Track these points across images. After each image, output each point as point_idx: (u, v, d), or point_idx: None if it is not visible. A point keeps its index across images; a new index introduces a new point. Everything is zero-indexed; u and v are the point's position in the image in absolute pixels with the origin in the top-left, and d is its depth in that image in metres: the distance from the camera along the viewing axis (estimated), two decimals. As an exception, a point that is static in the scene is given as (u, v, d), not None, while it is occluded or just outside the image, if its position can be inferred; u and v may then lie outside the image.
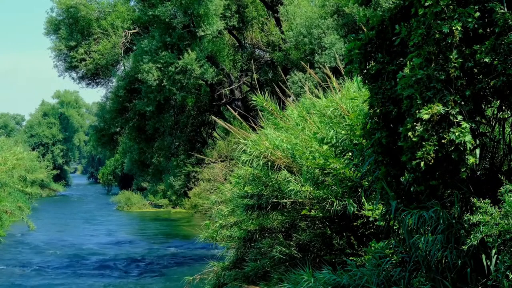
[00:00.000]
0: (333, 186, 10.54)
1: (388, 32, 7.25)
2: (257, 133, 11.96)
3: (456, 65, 6.35)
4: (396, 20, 7.15)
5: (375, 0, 20.05)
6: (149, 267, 27.64)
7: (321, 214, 10.78)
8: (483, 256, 6.62)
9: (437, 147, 6.32)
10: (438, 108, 6.29)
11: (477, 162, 6.99)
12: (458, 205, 6.91)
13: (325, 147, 10.51)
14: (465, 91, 6.40)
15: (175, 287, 22.02)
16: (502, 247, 6.45)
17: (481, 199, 6.57)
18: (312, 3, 27.21)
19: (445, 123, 6.33)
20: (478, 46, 6.35)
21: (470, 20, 6.33)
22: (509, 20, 6.23)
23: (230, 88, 28.61)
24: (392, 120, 7.10)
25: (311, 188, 10.71)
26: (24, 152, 38.24)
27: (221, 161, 23.97)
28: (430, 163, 6.36)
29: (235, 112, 16.77)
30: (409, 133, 6.41)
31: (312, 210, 10.90)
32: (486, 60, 6.25)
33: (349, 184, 10.39)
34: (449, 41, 6.35)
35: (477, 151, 6.93)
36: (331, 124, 10.77)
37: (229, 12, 27.63)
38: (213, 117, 20.27)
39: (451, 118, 6.33)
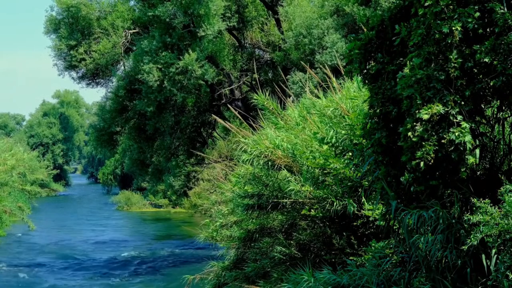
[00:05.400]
0: (333, 186, 10.55)
1: (388, 32, 7.25)
2: (258, 133, 11.97)
3: (456, 65, 6.35)
4: (396, 20, 7.16)
5: (375, 0, 20.06)
6: (149, 267, 27.65)
7: (321, 214, 10.78)
8: (483, 256, 6.62)
9: (437, 147, 6.32)
10: (438, 108, 6.30)
11: (477, 162, 6.99)
12: (458, 205, 6.92)
13: (325, 147, 10.51)
14: (465, 91, 6.40)
15: (175, 287, 22.03)
16: (502, 247, 6.45)
17: (481, 199, 6.57)
18: (311, 3, 27.20)
19: (445, 123, 6.33)
20: (478, 46, 6.35)
21: (470, 20, 6.33)
22: (509, 20, 6.23)
23: (230, 88, 28.61)
24: (392, 120, 7.10)
25: (311, 188, 10.72)
26: (24, 152, 38.30)
27: (222, 160, 23.97)
28: (430, 163, 6.36)
29: (235, 112, 16.77)
30: (409, 133, 6.41)
31: (312, 210, 10.91)
32: (486, 60, 6.25)
33: (349, 184, 10.39)
34: (449, 41, 6.35)
35: (477, 151, 6.93)
36: (331, 124, 10.78)
37: (229, 12, 27.62)
38: (214, 116, 20.24)
39: (451, 118, 6.33)
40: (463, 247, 6.58)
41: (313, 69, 20.70)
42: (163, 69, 24.03)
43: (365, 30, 7.63)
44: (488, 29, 6.46)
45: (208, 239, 14.85)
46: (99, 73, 28.73)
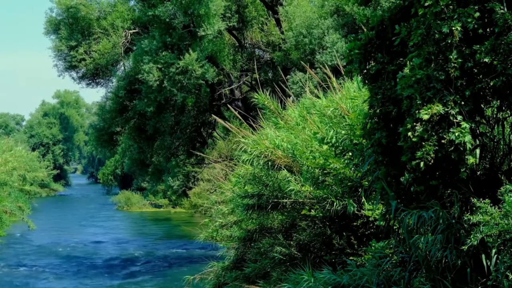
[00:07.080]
0: (333, 186, 10.54)
1: (388, 32, 7.25)
2: (258, 133, 11.97)
3: (456, 65, 6.35)
4: (396, 20, 7.16)
5: (375, 0, 20.05)
6: (149, 267, 27.65)
7: (321, 214, 10.78)
8: (483, 256, 6.62)
9: (437, 147, 6.33)
10: (438, 108, 6.30)
11: (477, 162, 6.99)
12: (458, 205, 6.91)
13: (325, 147, 10.51)
14: (465, 91, 6.41)
15: (175, 287, 22.03)
16: (502, 247, 6.45)
17: (481, 199, 6.57)
18: (311, 3, 27.22)
19: (445, 123, 6.33)
20: (478, 46, 6.35)
21: (470, 20, 6.33)
22: (509, 20, 6.23)
23: (230, 88, 28.61)
24: (392, 120, 7.10)
25: (311, 188, 10.72)
26: (23, 151, 38.30)
27: (222, 160, 23.97)
28: (430, 163, 6.36)
29: (235, 112, 16.78)
30: (409, 133, 6.41)
31: (312, 210, 10.91)
32: (486, 60, 6.25)
33: (349, 184, 10.39)
34: (449, 41, 6.35)
35: (477, 151, 6.93)
36: (331, 124, 10.78)
37: (229, 12, 27.63)
38: (214, 116, 20.25)
39: (451, 118, 6.33)
40: (463, 247, 6.58)
41: (313, 69, 20.70)
42: (163, 69, 24.04)
43: (365, 30, 7.63)
44: (488, 29, 6.46)
45: (208, 239, 14.85)
46: (99, 73, 28.75)
